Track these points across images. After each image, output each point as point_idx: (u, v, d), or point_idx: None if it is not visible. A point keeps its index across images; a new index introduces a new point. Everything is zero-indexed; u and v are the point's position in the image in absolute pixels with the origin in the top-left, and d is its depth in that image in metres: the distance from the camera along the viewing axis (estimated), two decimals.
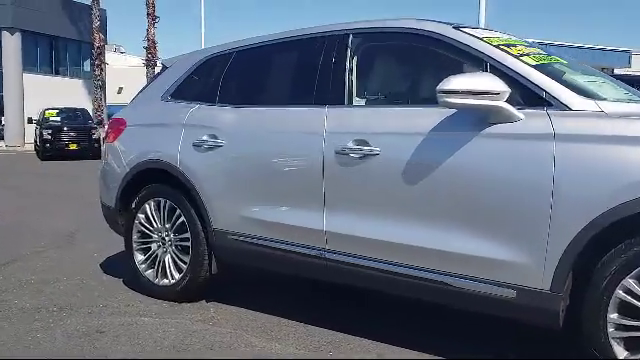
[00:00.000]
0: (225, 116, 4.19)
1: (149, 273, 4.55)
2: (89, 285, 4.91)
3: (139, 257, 4.62)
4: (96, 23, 33.94)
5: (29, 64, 35.07)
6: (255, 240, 3.96)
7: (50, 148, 23.26)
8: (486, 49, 3.24)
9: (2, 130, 34.04)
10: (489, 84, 2.95)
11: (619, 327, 2.78)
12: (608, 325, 2.78)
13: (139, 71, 39.39)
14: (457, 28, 3.44)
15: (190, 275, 4.30)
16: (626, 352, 2.77)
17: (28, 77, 34.42)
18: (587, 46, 25.66)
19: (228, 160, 4.07)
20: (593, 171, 2.77)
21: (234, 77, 4.36)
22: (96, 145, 24.05)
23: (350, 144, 3.48)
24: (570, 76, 3.26)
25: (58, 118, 24.95)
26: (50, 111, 25.57)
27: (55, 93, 32.42)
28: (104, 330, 3.84)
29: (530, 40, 4.00)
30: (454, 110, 3.15)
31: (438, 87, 3.00)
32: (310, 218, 3.67)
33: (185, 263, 4.34)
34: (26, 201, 10.48)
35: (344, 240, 3.55)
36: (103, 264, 5.65)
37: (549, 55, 3.50)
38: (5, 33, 33.24)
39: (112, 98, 39.53)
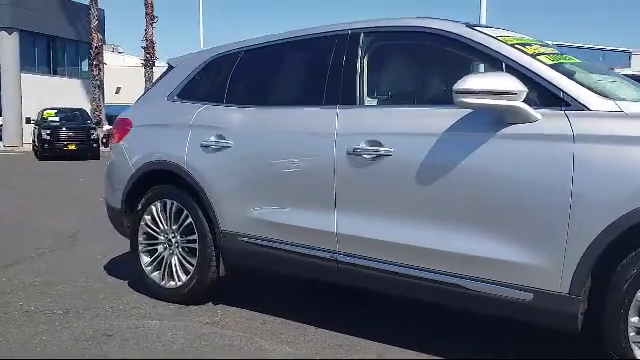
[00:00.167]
0: (233, 116, 4.14)
1: (155, 275, 4.50)
2: (94, 287, 4.85)
3: (145, 259, 4.57)
4: (94, 23, 33.87)
5: (27, 64, 34.96)
6: (264, 242, 3.91)
7: (48, 148, 23.22)
8: (502, 48, 3.20)
9: (0, 130, 33.93)
10: (506, 84, 2.91)
11: None
12: (629, 329, 2.73)
13: (137, 71, 39.32)
14: (471, 27, 3.39)
15: (197, 277, 4.25)
16: None
17: (26, 77, 34.31)
18: (587, 46, 25.68)
19: (236, 161, 4.02)
20: (613, 173, 2.72)
21: (242, 77, 4.31)
22: (95, 145, 24.07)
23: (362, 145, 3.43)
24: (586, 75, 3.22)
25: (57, 118, 24.90)
26: (48, 111, 25.52)
27: (53, 93, 32.34)
28: (111, 333, 3.79)
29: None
30: (469, 110, 3.10)
31: (454, 87, 2.95)
32: (321, 220, 3.62)
33: (192, 265, 4.29)
34: (26, 201, 10.41)
35: (356, 242, 3.50)
36: (107, 266, 5.59)
37: (563, 54, 3.46)
38: (3, 33, 33.11)
39: (110, 98, 39.49)
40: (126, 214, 4.69)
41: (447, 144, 3.16)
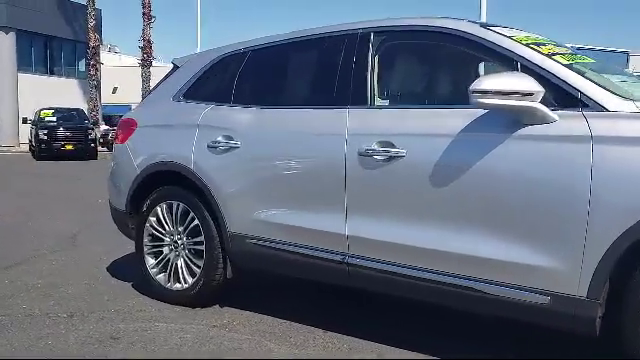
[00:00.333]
0: (241, 117, 4.09)
1: (160, 277, 4.44)
2: (98, 289, 4.79)
3: (150, 261, 4.51)
4: (91, 22, 33.79)
5: (24, 64, 34.87)
6: (272, 244, 3.86)
7: (46, 148, 23.16)
8: (517, 48, 3.15)
9: None
10: (523, 84, 2.86)
11: None
12: None
13: (133, 71, 39.25)
14: (485, 27, 3.34)
15: (204, 279, 4.19)
16: None
17: (23, 77, 34.22)
18: (587, 47, 25.68)
19: (245, 162, 3.97)
20: (632, 175, 2.67)
21: (250, 77, 4.26)
22: (92, 145, 24.02)
23: (374, 146, 3.38)
24: (603, 76, 3.17)
25: (54, 118, 24.84)
26: (46, 111, 25.46)
27: (50, 93, 32.26)
28: (118, 337, 3.73)
29: None
30: (484, 111, 3.05)
31: (471, 87, 2.90)
32: (331, 222, 3.57)
33: (199, 267, 4.23)
34: (25, 202, 10.34)
35: (367, 245, 3.45)
36: (110, 267, 5.53)
37: (578, 54, 3.41)
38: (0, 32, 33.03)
39: (106, 98, 39.41)
40: (131, 215, 4.63)
41: (462, 145, 3.11)
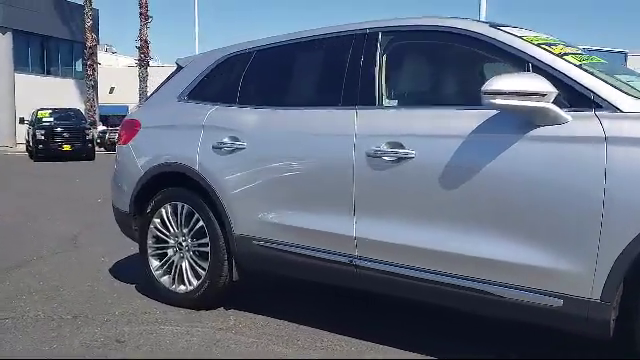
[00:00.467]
0: (247, 117, 4.05)
1: (165, 279, 4.40)
2: (101, 291, 4.75)
3: (154, 263, 4.47)
4: (88, 23, 33.77)
5: (21, 64, 34.81)
6: (279, 246, 3.82)
7: (43, 149, 23.08)
8: (528, 48, 3.12)
9: None
10: (536, 85, 2.83)
11: None
12: None
13: (130, 71, 39.22)
14: (495, 27, 3.31)
15: (209, 282, 4.15)
16: None
17: (20, 77, 34.16)
18: (585, 47, 25.72)
19: (251, 163, 3.93)
20: None
21: (255, 77, 4.22)
22: (90, 146, 23.94)
23: (383, 147, 3.35)
24: (614, 76, 3.14)
25: (51, 119, 24.75)
26: (43, 111, 25.36)
27: (47, 93, 32.22)
28: (124, 340, 3.69)
29: None
30: (495, 111, 3.02)
31: (483, 88, 2.87)
32: (339, 223, 3.53)
33: (204, 269, 4.19)
34: (24, 202, 10.28)
35: (376, 247, 3.41)
36: (112, 269, 5.49)
37: (588, 55, 3.38)
38: None
39: (103, 98, 39.34)
40: (134, 217, 4.59)
41: (472, 146, 3.08)
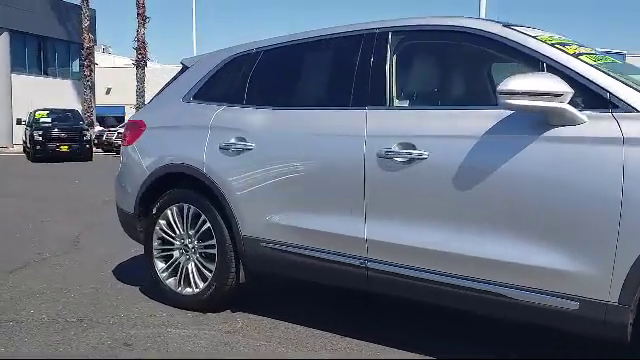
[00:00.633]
0: (254, 118, 4.01)
1: (171, 282, 4.35)
2: (105, 294, 4.70)
3: (160, 265, 4.42)
4: (85, 23, 33.69)
5: (17, 64, 34.71)
6: (288, 247, 3.78)
7: (41, 150, 22.98)
8: (542, 48, 3.08)
9: None
10: (552, 85, 2.80)
11: None
12: None
13: (127, 72, 39.13)
14: (508, 26, 3.28)
15: (216, 284, 4.11)
16: None
17: (16, 77, 34.05)
18: None
19: (259, 164, 3.89)
20: None
21: (263, 77, 4.18)
22: (87, 146, 23.85)
23: (394, 147, 3.31)
24: (630, 76, 3.11)
25: (49, 119, 24.65)
26: (40, 112, 25.26)
27: (44, 94, 32.13)
28: (131, 343, 3.65)
29: None
30: (509, 112, 2.99)
31: (499, 88, 2.83)
32: (349, 225, 3.49)
33: (210, 271, 4.14)
34: (24, 203, 10.21)
35: (387, 249, 3.37)
36: (116, 271, 5.44)
37: (602, 55, 3.35)
38: None
39: (100, 99, 39.25)
40: (139, 218, 4.54)
41: (487, 147, 3.04)
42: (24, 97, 31.98)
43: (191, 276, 4.24)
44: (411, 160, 3.25)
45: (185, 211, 4.25)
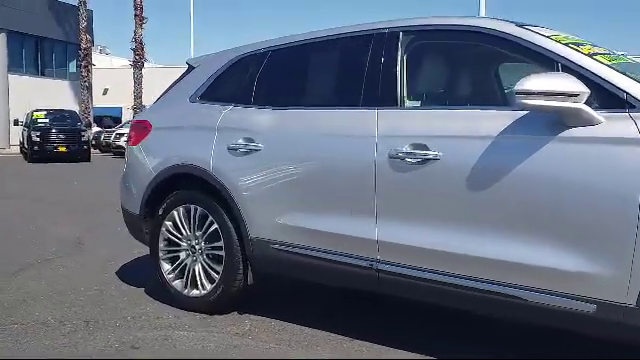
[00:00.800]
0: (263, 118, 3.97)
1: (177, 283, 4.31)
2: (110, 295, 4.66)
3: (166, 266, 4.38)
4: (83, 24, 33.62)
5: (14, 65, 34.57)
6: (297, 249, 3.74)
7: (38, 150, 22.89)
8: (557, 48, 3.05)
9: None
10: (569, 85, 2.77)
11: None
12: None
13: (124, 72, 39.06)
14: (522, 26, 3.25)
15: (223, 286, 4.07)
16: None
17: (13, 78, 33.91)
18: None
19: (267, 165, 3.85)
20: None
21: (271, 77, 4.14)
22: (85, 147, 23.77)
23: (406, 148, 3.28)
24: None
25: (46, 120, 24.56)
26: (38, 113, 25.16)
27: (41, 94, 32.00)
28: (138, 346, 3.61)
29: None
30: (524, 112, 2.96)
31: (515, 87, 2.80)
32: (360, 226, 3.46)
33: (217, 273, 4.10)
34: (24, 204, 10.17)
35: (399, 250, 3.34)
36: (119, 272, 5.40)
37: (617, 55, 3.33)
38: None
39: (97, 99, 39.13)
40: (145, 220, 4.50)
41: (501, 148, 3.01)
42: (21, 98, 31.86)
43: (198, 278, 4.20)
44: (424, 161, 3.22)
45: (192, 212, 4.21)
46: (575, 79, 2.81)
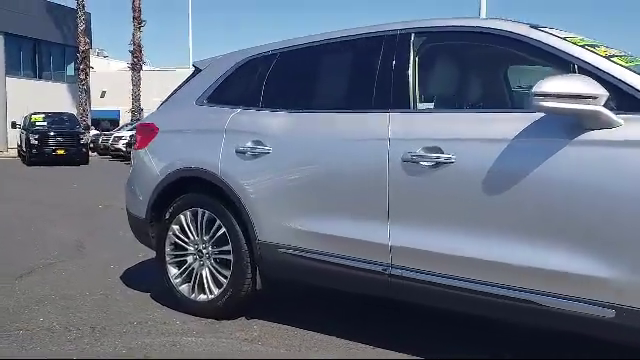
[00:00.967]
0: (271, 121, 3.93)
1: (184, 288, 4.26)
2: (115, 300, 4.60)
3: (173, 271, 4.32)
4: (81, 27, 33.51)
5: (12, 68, 34.45)
6: (307, 254, 3.69)
7: (37, 153, 22.78)
8: (573, 50, 3.02)
9: None
10: (587, 87, 2.73)
11: None
12: None
13: (122, 75, 38.99)
14: (536, 28, 3.21)
15: (231, 291, 4.01)
16: None
17: (11, 81, 33.79)
18: None
19: (276, 168, 3.81)
20: None
21: (280, 80, 4.10)
22: (84, 150, 23.67)
23: (419, 151, 3.23)
24: None
25: (45, 123, 24.47)
26: (36, 116, 25.05)
27: (38, 97, 31.91)
28: (146, 352, 3.55)
29: None
30: (540, 115, 2.92)
31: (533, 90, 2.76)
32: (373, 231, 3.41)
33: (225, 277, 4.05)
34: (24, 207, 10.10)
35: (413, 255, 3.29)
36: (124, 277, 5.34)
37: (633, 56, 3.29)
38: None
39: (94, 102, 39.03)
40: (151, 224, 4.44)
41: (517, 151, 2.96)
42: (18, 100, 31.72)
43: (205, 282, 4.15)
44: (438, 164, 3.18)
45: (199, 216, 4.16)
46: (593, 81, 2.77)
